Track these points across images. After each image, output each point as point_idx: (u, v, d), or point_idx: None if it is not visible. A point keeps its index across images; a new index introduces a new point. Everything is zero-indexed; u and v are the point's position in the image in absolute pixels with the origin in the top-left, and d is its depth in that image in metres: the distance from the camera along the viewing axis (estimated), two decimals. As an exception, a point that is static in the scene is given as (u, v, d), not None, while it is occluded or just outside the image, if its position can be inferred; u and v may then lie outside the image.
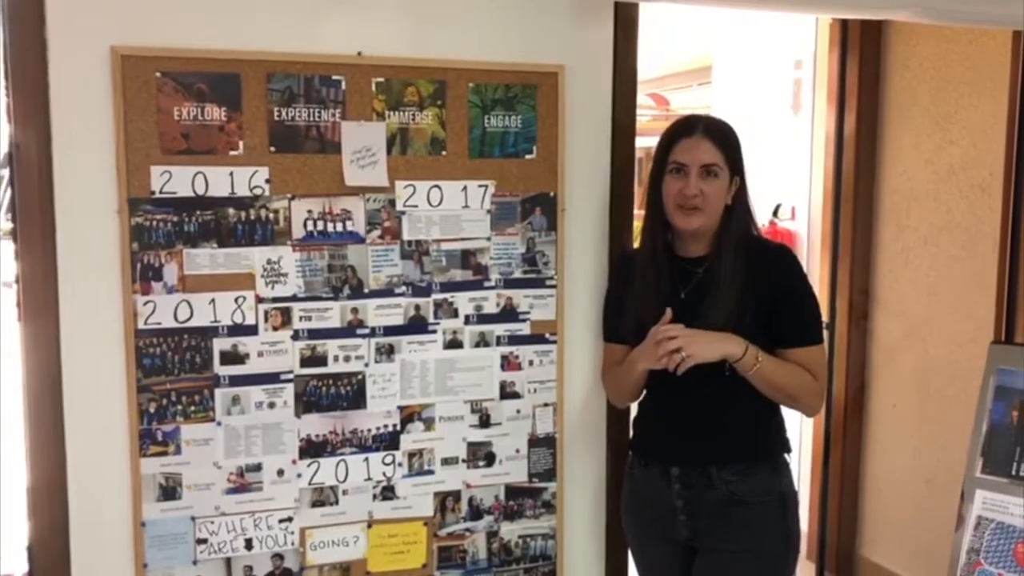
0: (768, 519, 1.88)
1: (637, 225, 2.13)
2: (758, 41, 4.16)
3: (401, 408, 2.07)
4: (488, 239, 2.09)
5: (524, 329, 2.14)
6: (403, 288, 2.04)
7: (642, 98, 6.29)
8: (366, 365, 2.03)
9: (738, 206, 1.88)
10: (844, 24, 3.16)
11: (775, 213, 3.81)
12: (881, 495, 3.27)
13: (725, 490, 1.85)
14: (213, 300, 1.92)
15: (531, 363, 2.16)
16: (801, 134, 3.74)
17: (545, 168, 2.12)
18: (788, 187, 3.80)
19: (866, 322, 3.27)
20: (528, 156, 2.11)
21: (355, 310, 2.01)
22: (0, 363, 2.56)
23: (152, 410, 1.90)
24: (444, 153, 2.04)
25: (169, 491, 1.92)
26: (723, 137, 1.86)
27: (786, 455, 1.94)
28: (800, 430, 3.12)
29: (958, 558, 2.14)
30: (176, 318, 1.90)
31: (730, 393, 1.82)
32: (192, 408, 1.92)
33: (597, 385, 2.21)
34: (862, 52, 3.19)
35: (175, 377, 1.91)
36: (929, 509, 3.02)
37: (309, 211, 1.96)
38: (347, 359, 2.02)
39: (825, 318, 3.01)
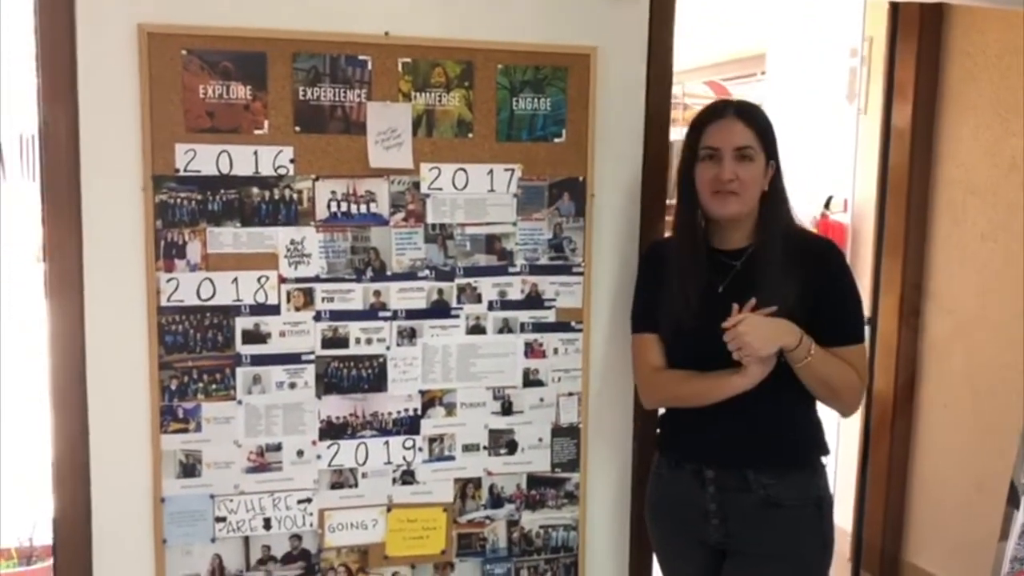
0: (805, 523, 1.80)
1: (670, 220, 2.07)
2: (813, 28, 4.03)
3: (422, 392, 2.05)
4: (514, 224, 2.05)
5: (549, 316, 2.10)
6: (426, 272, 2.01)
7: (698, 87, 6.17)
8: (388, 348, 2.01)
9: (775, 192, 1.80)
10: (895, 8, 3.04)
11: (827, 205, 3.70)
12: (928, 498, 3.15)
13: (762, 493, 1.78)
14: (236, 279, 1.91)
15: (556, 351, 2.11)
16: (856, 124, 3.62)
17: (574, 152, 2.07)
18: (841, 179, 3.68)
19: (916, 319, 3.15)
20: (557, 140, 2.06)
21: (377, 293, 1.99)
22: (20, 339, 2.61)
23: (173, 387, 1.91)
24: (471, 135, 2.01)
25: (189, 468, 1.93)
26: (755, 118, 1.78)
27: (823, 458, 1.86)
28: (838, 428, 3.01)
29: (1001, 567, 2.04)
30: (199, 296, 1.90)
31: (771, 390, 1.73)
32: (213, 386, 1.93)
33: (624, 376, 2.16)
34: (920, 38, 3.06)
35: (197, 355, 1.91)
36: (979, 515, 2.89)
37: (333, 192, 1.95)
38: (369, 342, 2.00)
39: (867, 313, 2.91)
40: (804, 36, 4.13)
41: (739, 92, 5.95)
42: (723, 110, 1.80)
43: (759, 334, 1.67)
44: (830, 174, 3.72)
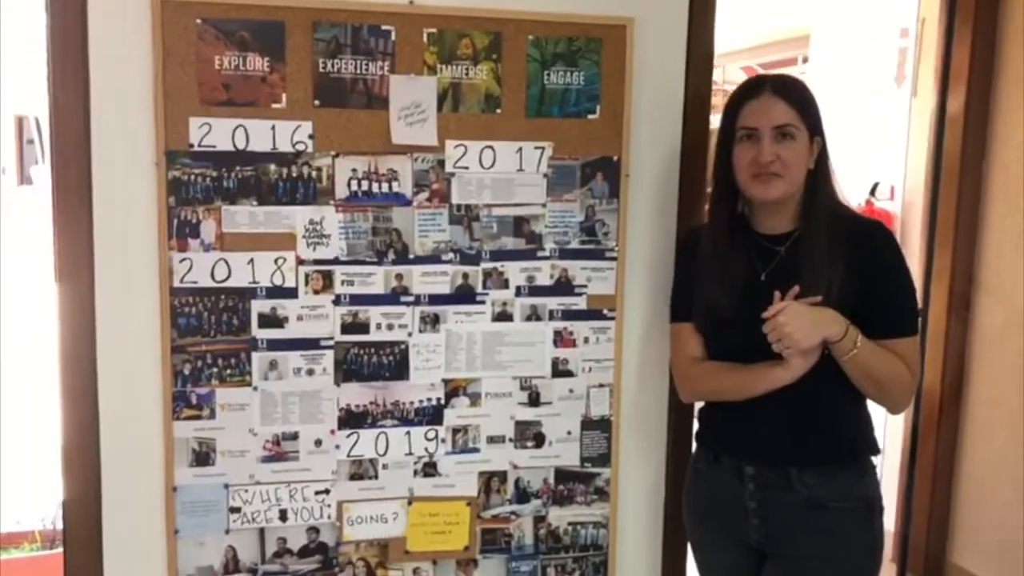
0: (851, 527, 1.68)
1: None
2: (862, 6, 3.86)
3: (446, 381, 1.95)
4: (543, 205, 1.95)
5: (580, 303, 2.00)
6: (451, 255, 1.92)
7: (736, 72, 6.00)
8: (410, 334, 1.92)
9: (821, 171, 1.68)
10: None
11: (872, 192, 3.55)
12: (977, 499, 3.00)
13: (805, 493, 1.67)
14: (252, 260, 1.84)
15: (586, 340, 2.01)
16: (904, 108, 3.46)
17: (609, 130, 1.96)
18: (888, 165, 3.53)
19: (967, 311, 2.99)
20: (590, 116, 1.95)
21: (399, 276, 1.90)
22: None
23: (187, 372, 1.83)
24: (499, 111, 1.91)
25: (202, 456, 1.86)
26: (795, 93, 1.66)
27: (873, 457, 1.73)
28: (884, 424, 2.88)
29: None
30: (213, 277, 1.82)
31: (816, 382, 1.61)
32: (228, 371, 1.85)
33: (658, 366, 2.05)
34: (976, 19, 2.89)
35: (211, 339, 1.84)
36: (1032, 518, 2.74)
37: (353, 170, 1.86)
38: (390, 327, 1.91)
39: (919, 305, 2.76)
40: (851, 15, 3.96)
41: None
42: (759, 87, 1.68)
43: (800, 325, 1.55)
44: (876, 160, 3.57)
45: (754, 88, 1.68)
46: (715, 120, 2.10)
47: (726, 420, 1.75)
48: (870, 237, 1.66)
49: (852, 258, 1.62)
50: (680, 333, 1.81)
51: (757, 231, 1.73)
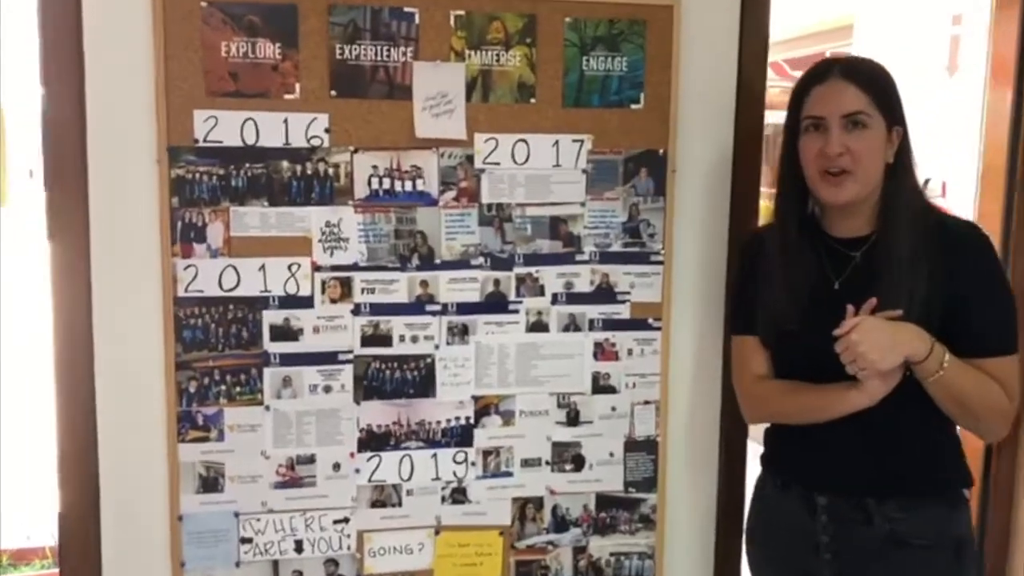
0: (938, 569, 1.48)
1: (764, 204, 1.78)
2: (910, -7, 3.66)
3: (476, 399, 1.79)
4: (582, 204, 1.78)
5: (622, 312, 1.82)
6: (480, 259, 1.76)
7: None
8: (436, 347, 1.76)
9: (902, 165, 1.49)
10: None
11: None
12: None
13: (886, 528, 1.48)
14: (263, 266, 1.68)
15: (630, 352, 1.84)
16: (958, 99, 3.25)
17: (654, 121, 1.79)
18: (939, 159, 3.32)
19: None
20: (634, 106, 1.78)
21: (425, 283, 1.74)
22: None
23: (192, 390, 1.68)
24: (533, 101, 1.74)
25: (210, 482, 1.70)
26: (868, 77, 1.47)
27: (965, 490, 1.53)
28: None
29: None
30: (221, 286, 1.67)
31: (898, 405, 1.42)
32: (237, 389, 1.70)
33: (710, 381, 1.88)
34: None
35: (219, 353, 1.68)
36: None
37: (374, 167, 1.70)
38: (415, 339, 1.75)
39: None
40: (898, 2, 3.76)
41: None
42: (826, 71, 1.49)
43: (877, 343, 1.36)
44: (925, 154, 3.36)
45: (821, 72, 1.49)
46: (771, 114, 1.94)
47: (796, 444, 1.56)
48: (961, 240, 1.46)
49: (939, 265, 1.42)
50: (743, 347, 1.62)
51: (829, 234, 1.54)
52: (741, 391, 1.65)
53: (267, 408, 1.71)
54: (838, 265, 1.51)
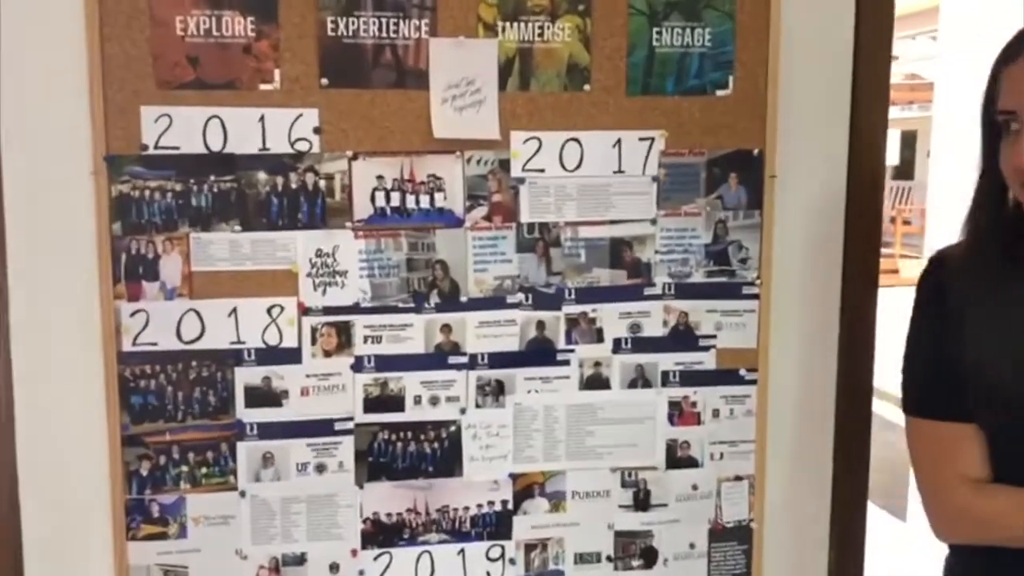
0: None
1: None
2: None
3: (514, 477, 1.40)
4: (653, 222, 1.38)
5: (706, 362, 1.43)
6: (520, 296, 1.37)
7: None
8: (463, 411, 1.37)
9: None
10: None
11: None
12: None
13: None
14: (235, 310, 1.31)
15: (716, 414, 1.44)
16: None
17: (747, 112, 1.38)
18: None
19: None
20: (720, 92, 1.37)
21: (447, 328, 1.35)
22: None
23: (144, 472, 1.31)
24: (587, 88, 1.34)
25: (170, 591, 1.32)
26: None
27: None
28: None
29: None
30: (180, 336, 1.30)
31: None
32: (204, 470, 1.33)
33: (818, 451, 1.47)
34: None
35: (178, 424, 1.31)
36: None
37: (379, 177, 1.32)
38: (434, 401, 1.36)
39: None
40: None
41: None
42: (1018, 46, 1.04)
43: None
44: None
45: (1013, 47, 1.04)
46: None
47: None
48: None
49: None
50: (939, 436, 1.11)
51: None
52: (938, 499, 1.13)
53: (242, 494, 1.34)
54: None
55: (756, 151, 1.39)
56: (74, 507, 1.29)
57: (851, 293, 1.44)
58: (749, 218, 1.40)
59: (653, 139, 1.36)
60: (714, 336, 1.42)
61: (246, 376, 1.31)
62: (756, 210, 1.40)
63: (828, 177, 1.43)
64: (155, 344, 1.29)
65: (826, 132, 1.42)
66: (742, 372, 1.43)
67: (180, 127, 1.26)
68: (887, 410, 1.99)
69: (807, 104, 1.41)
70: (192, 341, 1.30)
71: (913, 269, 7.13)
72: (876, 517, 1.45)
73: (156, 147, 1.26)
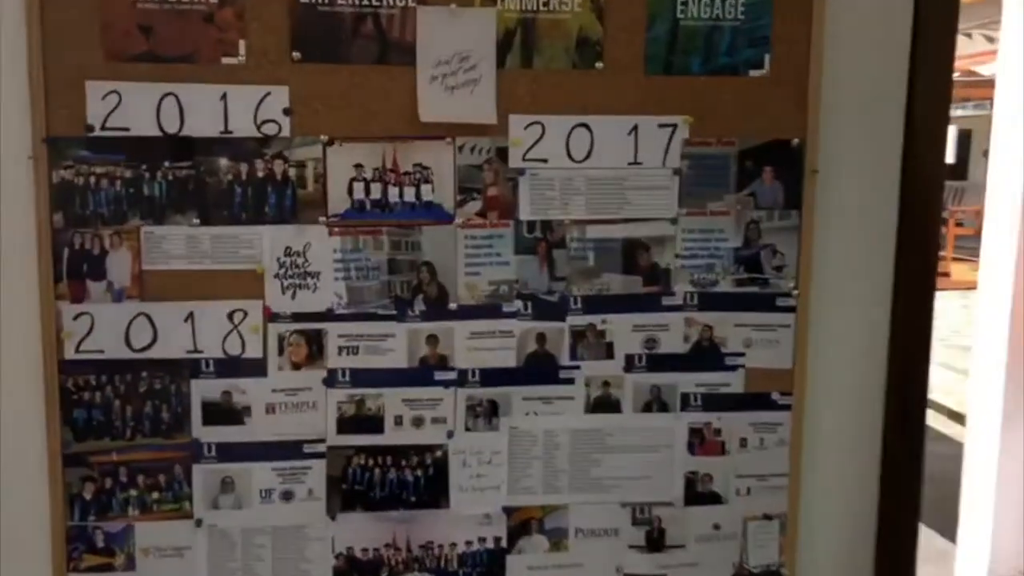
0: None
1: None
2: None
3: (509, 511, 1.25)
4: (673, 221, 1.22)
5: (733, 383, 1.27)
6: (517, 304, 1.21)
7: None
8: (450, 435, 1.22)
9: None
10: None
11: None
12: None
13: None
14: (191, 315, 1.17)
15: (743, 443, 1.28)
16: None
17: (785, 96, 1.22)
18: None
19: None
20: (755, 73, 1.21)
21: (434, 339, 1.20)
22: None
23: (88, 496, 1.18)
24: (600, 65, 1.18)
25: (116, 631, 1.18)
26: None
27: None
28: None
29: None
30: (129, 343, 1.16)
31: None
32: (155, 495, 1.19)
33: (860, 486, 1.31)
34: None
35: (127, 443, 1.18)
36: None
37: (358, 166, 1.17)
38: (418, 423, 1.22)
39: None
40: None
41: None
42: None
43: None
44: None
45: None
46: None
47: None
48: None
49: None
50: None
51: None
52: None
53: (198, 523, 1.20)
54: None
55: (795, 142, 1.22)
56: (8, 534, 1.15)
57: (903, 307, 1.26)
58: (786, 219, 1.23)
59: (675, 126, 1.20)
60: (742, 354, 1.27)
61: (204, 390, 1.18)
62: (794, 210, 1.23)
63: (878, 174, 1.26)
64: (101, 352, 1.16)
65: (877, 122, 1.26)
66: (774, 396, 1.27)
67: (131, 106, 1.12)
68: (935, 419, 1.80)
69: (856, 88, 1.24)
70: (143, 349, 1.16)
71: (966, 273, 6.84)
72: (921, 537, 1.27)
73: (103, 128, 1.12)
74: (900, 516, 1.29)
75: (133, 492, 1.17)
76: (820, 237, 1.23)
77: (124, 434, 1.16)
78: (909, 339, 1.27)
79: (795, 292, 1.24)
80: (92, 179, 1.12)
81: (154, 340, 1.15)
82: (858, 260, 1.26)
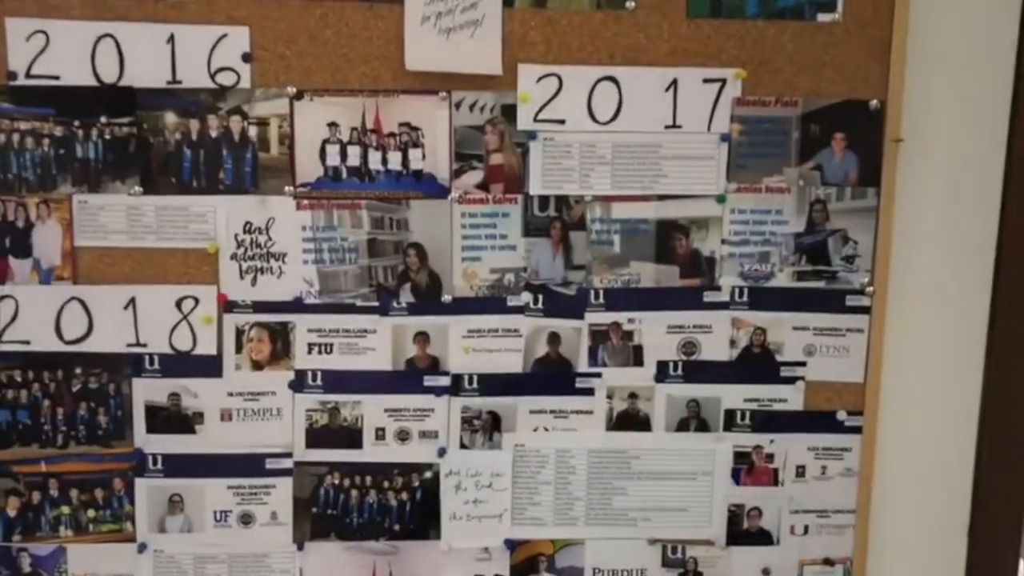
0: None
1: None
2: None
3: (513, 544, 1.06)
4: (720, 200, 1.03)
5: (791, 399, 1.07)
6: (526, 297, 1.03)
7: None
8: (442, 452, 1.04)
9: None
10: None
11: None
12: None
13: None
14: (133, 301, 1.01)
15: (800, 472, 1.08)
16: None
17: (862, 47, 1.01)
18: None
19: None
20: (824, 17, 1.00)
21: (423, 337, 1.02)
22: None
23: (13, 512, 1.04)
24: (630, 5, 0.98)
25: (44, 670, 1.03)
26: None
27: None
28: None
29: None
30: (60, 334, 1.01)
31: None
32: (91, 513, 1.05)
33: (946, 526, 1.08)
34: None
35: (58, 451, 1.03)
36: None
37: (332, 125, 0.99)
38: (403, 437, 1.04)
39: None
40: None
41: None
42: None
43: None
44: None
45: None
46: None
47: None
48: None
49: None
50: None
51: None
52: None
53: (142, 548, 1.04)
54: None
55: (874, 104, 1.01)
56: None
57: (1005, 311, 1.04)
58: (860, 198, 1.03)
59: (724, 81, 1.00)
60: (803, 364, 1.08)
61: (148, 391, 1.02)
62: (871, 188, 1.01)
63: (977, 146, 1.04)
64: (27, 343, 1.01)
65: (977, 81, 1.03)
66: (841, 415, 1.07)
67: (60, 49, 0.96)
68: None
69: (951, 39, 1.02)
70: (76, 341, 1.00)
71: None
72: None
73: (27, 76, 0.97)
74: (995, 565, 1.08)
75: (65, 509, 1.04)
76: (902, 222, 1.03)
77: (54, 441, 1.02)
78: (1011, 350, 1.05)
79: (869, 289, 1.03)
80: (14, 137, 0.97)
81: (89, 330, 1.00)
82: (949, 251, 1.05)
